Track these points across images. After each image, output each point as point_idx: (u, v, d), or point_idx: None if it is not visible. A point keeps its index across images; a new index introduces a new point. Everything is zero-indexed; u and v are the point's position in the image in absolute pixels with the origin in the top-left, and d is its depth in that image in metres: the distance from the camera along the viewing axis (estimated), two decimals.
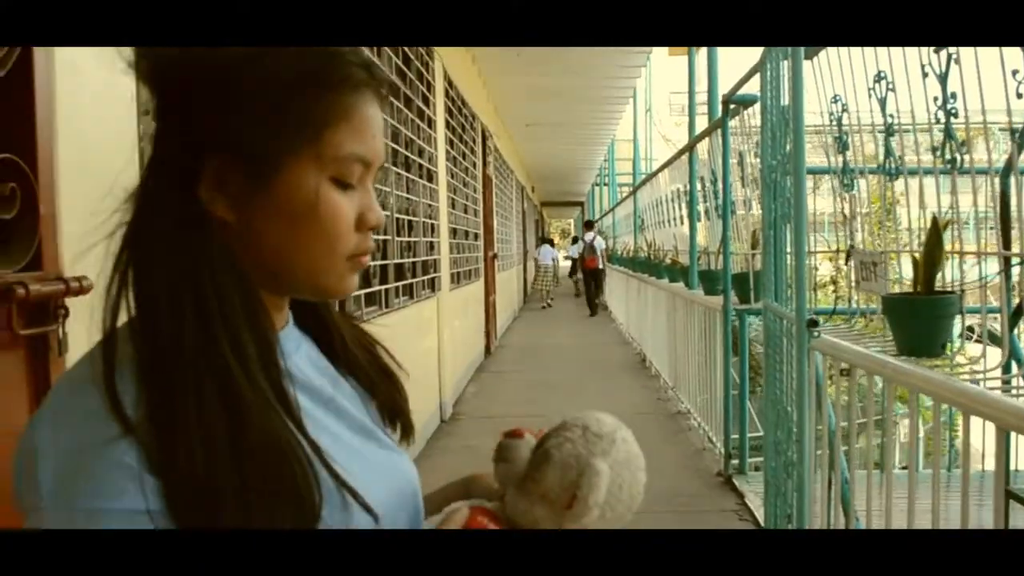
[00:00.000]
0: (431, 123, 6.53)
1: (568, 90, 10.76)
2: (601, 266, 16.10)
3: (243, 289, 0.74)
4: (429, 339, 6.29)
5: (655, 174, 9.64)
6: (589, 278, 16.35)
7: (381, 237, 4.81)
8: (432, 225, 6.47)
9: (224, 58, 0.73)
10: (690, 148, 6.74)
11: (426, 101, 6.34)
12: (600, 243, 16.24)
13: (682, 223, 7.36)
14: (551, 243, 21.21)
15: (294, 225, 0.75)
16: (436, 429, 6.15)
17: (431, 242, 6.38)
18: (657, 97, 20.45)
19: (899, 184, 3.01)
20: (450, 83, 7.62)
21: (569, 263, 22.36)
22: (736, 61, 4.18)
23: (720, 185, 5.25)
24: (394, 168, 5.17)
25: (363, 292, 4.32)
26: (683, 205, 7.16)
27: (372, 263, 4.57)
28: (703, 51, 8.01)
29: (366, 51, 0.81)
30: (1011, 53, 2.10)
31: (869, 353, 2.56)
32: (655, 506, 4.33)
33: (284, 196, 0.74)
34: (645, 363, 9.35)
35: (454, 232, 7.72)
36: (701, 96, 7.75)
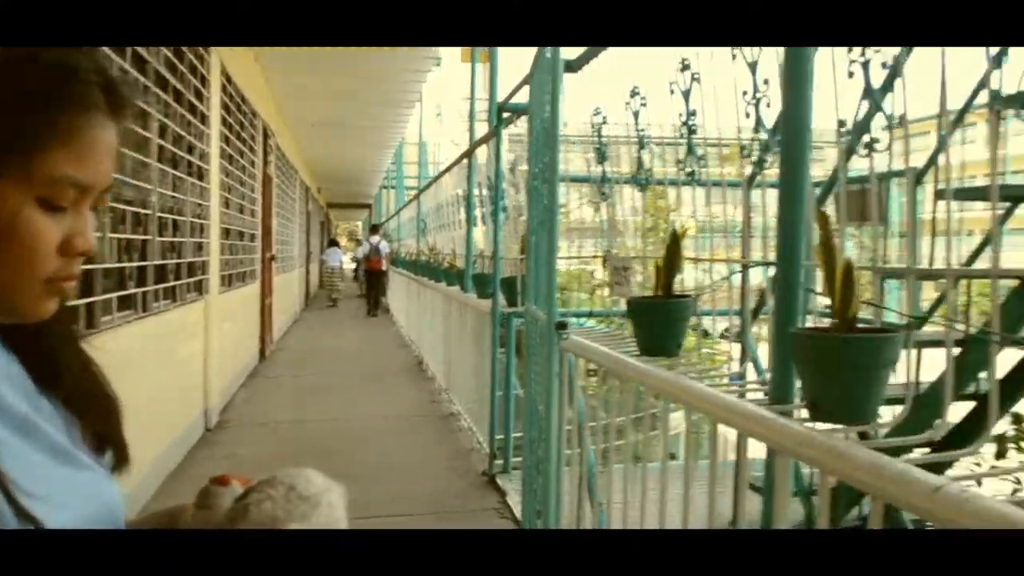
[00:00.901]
0: (204, 119, 6.29)
1: (354, 91, 10.65)
2: (385, 268, 16.68)
3: None
4: (194, 344, 6.05)
5: (436, 179, 9.74)
6: (372, 279, 16.97)
7: (141, 237, 4.59)
8: (201, 225, 6.23)
9: None
10: (468, 154, 6.86)
11: (199, 96, 6.11)
12: (384, 246, 16.80)
13: (461, 227, 7.47)
14: (338, 245, 21.32)
15: None
16: (200, 438, 5.92)
17: (199, 243, 6.14)
18: (451, 102, 20.71)
19: (673, 194, 3.17)
20: (228, 79, 7.38)
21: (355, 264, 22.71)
22: (520, 70, 4.27)
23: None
24: (159, 164, 4.95)
25: (115, 295, 4.09)
26: (463, 209, 7.27)
27: (129, 264, 4.35)
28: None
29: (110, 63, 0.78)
30: (744, 75, 2.28)
31: (612, 354, 2.69)
32: (420, 507, 4.38)
33: None
34: (422, 366, 9.42)
35: (227, 232, 7.45)
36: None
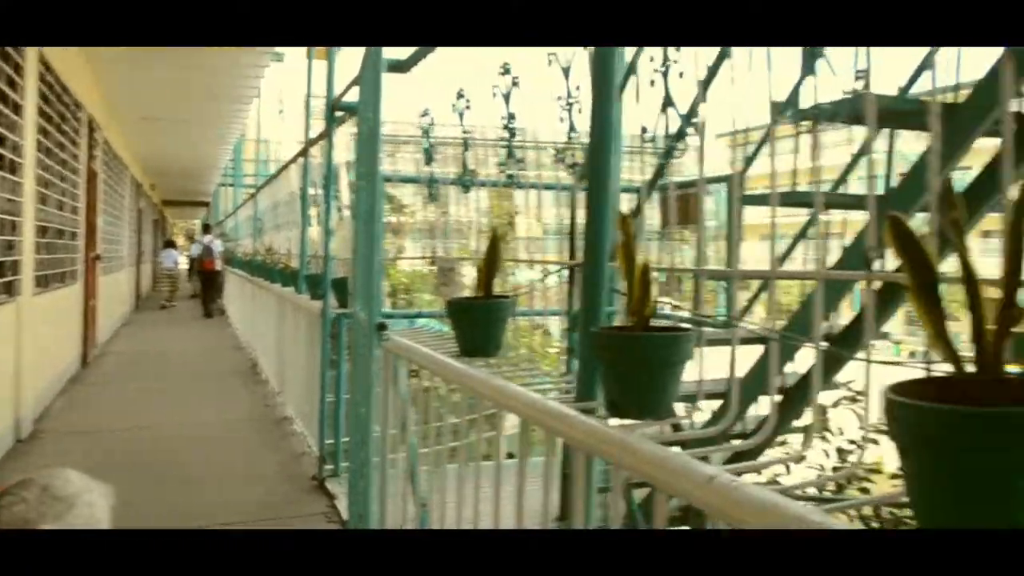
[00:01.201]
0: (17, 109, 5.91)
1: (188, 84, 10.20)
2: (219, 268, 16.23)
3: None
4: (3, 349, 5.67)
5: (273, 177, 9.52)
6: (207, 280, 16.43)
7: None
8: (13, 222, 5.85)
9: None
10: (304, 152, 6.76)
11: (11, 84, 5.73)
12: (218, 245, 16.33)
13: (299, 227, 7.34)
14: (174, 246, 20.58)
15: None
16: (10, 449, 5.56)
17: (10, 241, 5.77)
18: (295, 99, 20.24)
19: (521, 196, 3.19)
20: (47, 67, 6.96)
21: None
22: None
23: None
24: None
25: None
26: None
27: None
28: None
29: None
30: (560, 80, 2.33)
31: (432, 355, 2.68)
32: (248, 513, 4.27)
33: None
34: (256, 368, 9.20)
35: (44, 230, 7.03)
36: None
